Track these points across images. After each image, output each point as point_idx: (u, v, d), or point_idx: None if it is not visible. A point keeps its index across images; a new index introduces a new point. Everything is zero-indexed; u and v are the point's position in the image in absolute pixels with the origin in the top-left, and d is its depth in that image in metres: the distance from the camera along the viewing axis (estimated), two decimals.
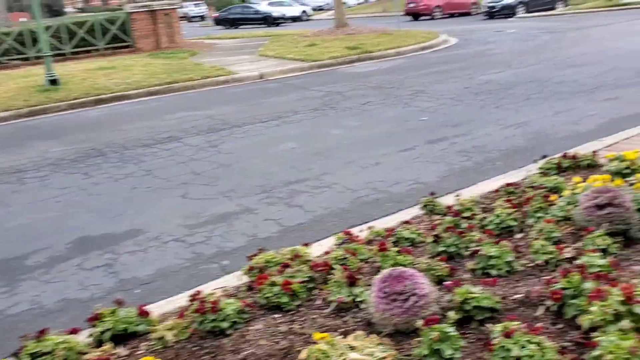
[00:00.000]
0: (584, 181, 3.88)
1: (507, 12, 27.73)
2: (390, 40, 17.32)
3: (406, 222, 3.77)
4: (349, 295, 2.79)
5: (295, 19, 40.15)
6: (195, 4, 54.76)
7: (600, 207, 3.16)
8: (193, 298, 2.82)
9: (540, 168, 4.60)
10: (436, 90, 10.15)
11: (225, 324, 2.69)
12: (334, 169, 6.28)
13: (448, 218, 3.56)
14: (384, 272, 2.63)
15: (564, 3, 29.42)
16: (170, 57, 17.81)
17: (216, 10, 45.39)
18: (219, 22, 39.66)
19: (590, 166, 4.60)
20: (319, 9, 48.80)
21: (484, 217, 3.59)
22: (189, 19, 51.28)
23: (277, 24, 36.97)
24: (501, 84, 10.21)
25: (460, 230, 3.32)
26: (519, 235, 3.46)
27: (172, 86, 13.01)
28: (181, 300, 3.13)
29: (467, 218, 3.64)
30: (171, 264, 4.28)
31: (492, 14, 28.29)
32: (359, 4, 52.03)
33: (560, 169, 4.56)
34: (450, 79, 11.20)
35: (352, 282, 2.85)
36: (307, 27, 28.31)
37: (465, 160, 6.16)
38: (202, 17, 52.23)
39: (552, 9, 28.79)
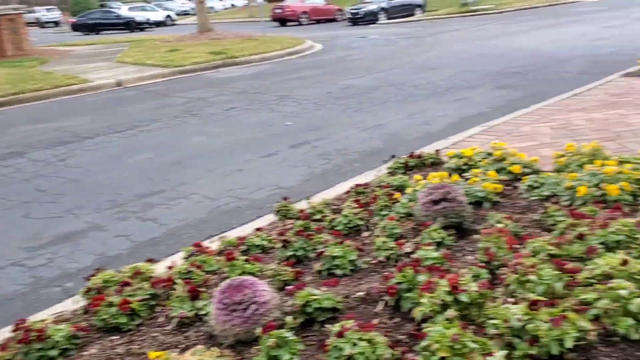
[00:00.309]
0: (424, 179, 4.08)
1: (370, 19, 28.88)
2: (255, 46, 17.33)
3: (258, 229, 3.73)
4: (191, 310, 2.69)
5: (159, 24, 38.83)
6: (47, 9, 51.12)
7: (435, 202, 3.33)
8: (17, 327, 2.57)
9: (389, 168, 4.78)
10: (300, 95, 10.28)
11: (54, 352, 2.47)
12: (193, 178, 6.11)
13: (299, 222, 3.57)
14: (224, 282, 2.57)
15: (421, 10, 31.21)
16: (16, 65, 16.47)
17: (72, 15, 42.78)
18: (76, 27, 37.26)
19: (434, 164, 4.86)
20: (184, 13, 47.78)
21: (334, 219, 3.64)
22: (41, 25, 47.88)
23: (141, 29, 35.60)
24: (361, 88, 10.56)
25: (309, 233, 3.34)
26: (366, 234, 3.56)
27: (19, 97, 11.99)
28: (5, 332, 2.84)
29: (318, 220, 3.68)
30: (7, 291, 3.90)
31: (355, 20, 29.30)
32: (225, 9, 51.68)
33: (407, 168, 4.77)
34: (314, 84, 11.40)
35: (194, 295, 2.75)
36: (171, 32, 27.58)
37: (325, 163, 6.27)
38: (57, 23, 48.97)
39: (412, 15, 30.43)
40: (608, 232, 2.81)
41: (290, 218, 3.91)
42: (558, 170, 4.15)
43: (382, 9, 29.40)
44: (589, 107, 6.79)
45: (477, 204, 3.78)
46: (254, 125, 8.32)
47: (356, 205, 3.72)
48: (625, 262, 2.52)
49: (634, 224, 2.87)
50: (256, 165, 6.42)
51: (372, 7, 29.26)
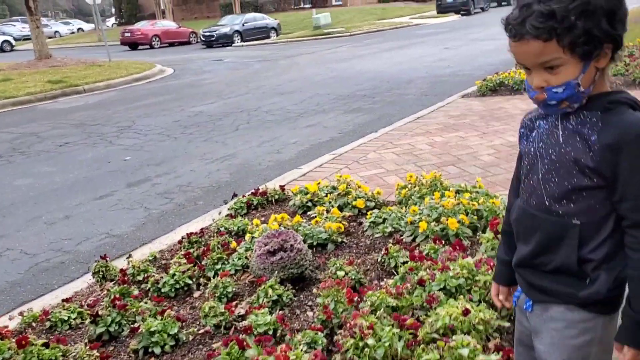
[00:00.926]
0: (266, 221, 3.75)
1: (225, 41, 28.55)
2: (100, 72, 16.20)
3: (67, 300, 3.13)
4: None
5: None
6: None
7: (271, 253, 3.00)
8: None
9: (230, 208, 4.39)
10: (144, 125, 9.59)
11: None
12: (11, 230, 5.28)
13: (115, 288, 3.06)
14: None
15: (276, 32, 31.47)
16: None
17: None
18: None
19: (280, 201, 4.56)
20: (26, 38, 44.16)
21: (159, 279, 3.17)
22: None
23: None
24: (211, 115, 10.12)
25: (124, 303, 2.84)
26: (197, 294, 3.13)
27: None
28: None
29: (140, 282, 3.19)
30: None
31: (209, 43, 28.82)
32: (72, 33, 48.60)
33: (250, 208, 4.42)
34: (160, 112, 10.75)
35: None
36: (9, 59, 25.14)
37: (166, 202, 5.73)
38: None
39: (267, 37, 30.57)
40: (449, 276, 2.65)
41: (111, 279, 3.37)
42: (401, 203, 4.03)
43: (236, 31, 29.22)
44: (431, 131, 6.93)
45: (322, 246, 3.53)
46: (89, 162, 7.53)
47: (186, 261, 3.28)
48: (466, 312, 2.35)
49: (473, 264, 2.73)
50: (87, 209, 5.71)
51: (225, 29, 28.99)
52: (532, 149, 1.53)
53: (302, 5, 45.35)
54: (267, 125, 9.04)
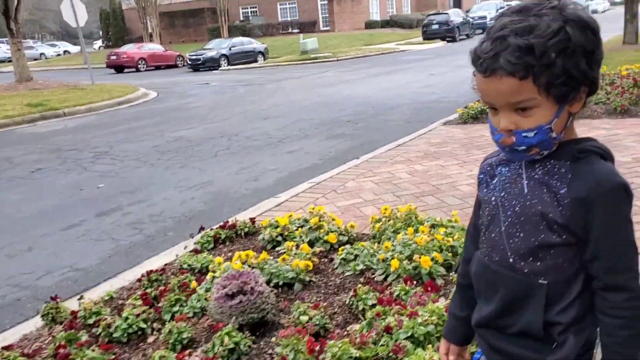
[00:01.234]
0: (231, 258, 3.54)
1: (211, 65, 28.53)
2: (81, 96, 16.00)
3: (7, 348, 2.88)
4: None
5: None
6: None
7: (230, 296, 2.79)
8: None
9: (197, 243, 4.18)
10: (122, 151, 9.38)
11: None
12: None
13: (62, 333, 2.83)
14: None
15: (263, 57, 31.51)
16: None
17: None
18: None
19: (250, 234, 4.36)
20: (10, 60, 43.92)
21: (111, 323, 2.95)
22: None
23: None
24: (191, 140, 9.93)
25: (66, 352, 2.61)
26: (152, 339, 2.91)
27: None
28: None
29: (92, 326, 2.96)
30: None
31: (196, 66, 28.79)
32: (58, 55, 48.47)
33: (218, 242, 4.21)
34: (140, 137, 10.55)
35: None
36: None
37: (136, 233, 5.51)
38: None
39: (254, 61, 30.60)
40: (417, 322, 2.46)
41: (61, 322, 3.13)
42: (374, 237, 3.84)
43: (223, 55, 29.23)
44: (412, 159, 6.78)
45: (289, 286, 3.32)
46: (60, 190, 7.29)
47: (141, 302, 3.06)
48: None
49: (444, 309, 2.55)
50: (52, 240, 5.47)
51: (212, 53, 29.02)
52: (494, 199, 1.36)
53: (290, 30, 45.59)
54: (247, 150, 8.86)
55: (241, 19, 50.67)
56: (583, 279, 1.26)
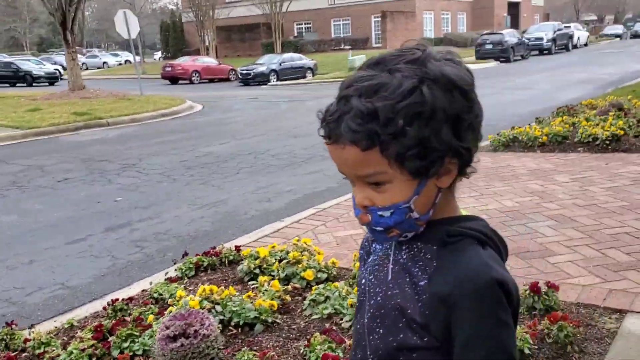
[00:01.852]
0: (193, 293, 3.41)
1: (261, 80, 28.85)
2: (127, 106, 16.41)
3: None
4: None
5: (52, 79, 36.76)
6: None
7: (172, 338, 2.65)
8: None
9: (178, 270, 4.08)
10: (149, 164, 9.48)
11: None
12: None
13: None
14: None
15: (312, 73, 31.63)
16: None
17: None
18: None
19: (234, 262, 4.22)
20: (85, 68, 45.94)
21: (56, 357, 2.85)
22: None
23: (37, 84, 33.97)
24: (219, 156, 9.94)
25: None
26: None
27: None
28: None
29: (38, 357, 2.88)
30: None
31: (246, 81, 29.18)
32: (119, 64, 50.28)
33: (199, 270, 4.09)
34: (171, 151, 10.66)
35: None
36: (51, 89, 26.02)
37: (136, 252, 5.47)
38: None
39: (303, 77, 30.74)
40: None
41: (14, 350, 3.07)
42: (354, 278, 3.63)
43: (273, 70, 29.52)
44: None
45: (250, 326, 3.15)
46: (79, 201, 7.39)
47: (90, 336, 2.96)
48: None
49: None
50: (54, 254, 5.51)
51: (262, 68, 29.35)
52: (364, 281, 1.14)
53: (342, 47, 45.68)
54: (269, 169, 8.78)
55: (295, 34, 51.24)
56: None
